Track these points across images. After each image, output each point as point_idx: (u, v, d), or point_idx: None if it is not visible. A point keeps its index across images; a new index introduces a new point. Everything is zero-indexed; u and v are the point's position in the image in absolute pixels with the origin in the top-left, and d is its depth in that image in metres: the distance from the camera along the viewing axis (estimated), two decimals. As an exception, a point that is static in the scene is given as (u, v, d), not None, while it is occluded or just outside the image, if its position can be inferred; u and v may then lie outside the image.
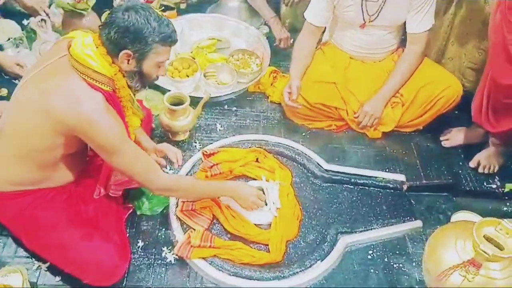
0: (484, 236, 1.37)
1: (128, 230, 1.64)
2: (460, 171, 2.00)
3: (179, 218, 1.66)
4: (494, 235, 1.36)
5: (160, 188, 1.48)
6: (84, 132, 1.30)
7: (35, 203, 1.45)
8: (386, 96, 1.99)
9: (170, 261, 1.59)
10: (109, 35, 1.28)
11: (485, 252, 1.31)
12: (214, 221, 1.68)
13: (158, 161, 1.73)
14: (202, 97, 1.98)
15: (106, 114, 1.30)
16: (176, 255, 1.58)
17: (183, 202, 1.67)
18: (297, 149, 1.96)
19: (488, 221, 1.39)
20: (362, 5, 1.88)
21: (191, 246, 1.56)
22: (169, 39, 1.34)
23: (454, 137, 2.09)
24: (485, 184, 1.97)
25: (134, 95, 1.51)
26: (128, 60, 1.32)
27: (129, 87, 1.42)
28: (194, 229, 1.61)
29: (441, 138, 2.11)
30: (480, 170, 2.00)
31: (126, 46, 1.29)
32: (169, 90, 1.98)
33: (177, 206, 1.68)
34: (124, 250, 1.52)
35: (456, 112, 2.14)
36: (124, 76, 1.37)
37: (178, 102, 1.87)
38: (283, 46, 2.44)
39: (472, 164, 2.02)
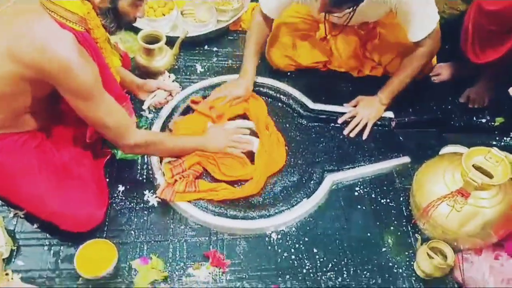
0: (473, 166, 1.34)
1: (107, 175, 1.59)
2: (449, 107, 1.94)
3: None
4: (483, 164, 1.34)
5: (131, 145, 1.39)
6: (55, 77, 1.20)
7: (5, 149, 1.37)
8: (384, 101, 1.80)
9: (153, 204, 1.55)
10: None
11: (473, 181, 1.28)
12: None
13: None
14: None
15: (77, 56, 1.20)
16: (159, 198, 1.53)
17: (171, 168, 1.53)
18: (283, 89, 1.88)
19: (478, 150, 1.35)
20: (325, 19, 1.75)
21: (175, 191, 1.51)
22: None
23: (444, 72, 2.03)
24: (475, 118, 1.92)
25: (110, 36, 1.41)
26: None
27: (104, 27, 1.31)
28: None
29: (430, 74, 2.03)
30: (470, 105, 1.95)
31: None
32: (145, 30, 1.86)
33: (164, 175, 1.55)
34: (101, 196, 1.47)
35: (446, 46, 2.05)
36: (97, 15, 1.27)
37: (153, 41, 1.77)
38: None
39: (462, 99, 1.97)
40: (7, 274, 1.34)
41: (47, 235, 1.45)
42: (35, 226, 1.46)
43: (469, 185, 1.30)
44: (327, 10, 1.55)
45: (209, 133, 1.65)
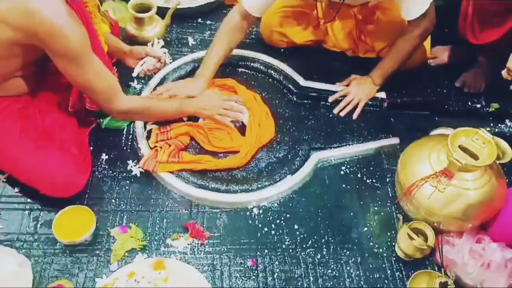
0: (459, 147, 1.31)
1: (91, 144, 1.57)
2: (444, 90, 1.91)
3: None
4: (470, 145, 1.31)
5: (121, 110, 1.40)
6: (43, 38, 1.17)
7: (-13, 112, 1.37)
8: (376, 82, 1.76)
9: (136, 174, 1.53)
10: None
11: (457, 161, 1.25)
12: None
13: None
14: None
15: (66, 17, 1.17)
16: (142, 168, 1.52)
17: (157, 133, 1.55)
18: (274, 65, 1.84)
19: (465, 131, 1.32)
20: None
21: (158, 161, 1.50)
22: None
23: (440, 56, 1.99)
24: (469, 103, 1.89)
25: (101, 3, 1.38)
26: None
27: None
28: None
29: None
30: (466, 89, 1.92)
31: None
32: (137, 0, 1.83)
33: (149, 139, 1.56)
34: (83, 163, 1.45)
35: (446, 30, 2.01)
36: None
37: (144, 10, 1.74)
38: None
39: (458, 83, 1.93)
40: (-16, 236, 1.34)
41: (28, 199, 1.44)
42: (16, 190, 1.46)
43: (453, 165, 1.27)
44: None
45: (203, 96, 1.62)
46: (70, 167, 1.39)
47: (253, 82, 1.78)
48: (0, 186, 1.46)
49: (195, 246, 1.40)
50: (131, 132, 1.62)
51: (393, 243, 1.44)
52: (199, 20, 2.02)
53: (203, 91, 1.64)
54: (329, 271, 1.39)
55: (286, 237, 1.44)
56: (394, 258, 1.42)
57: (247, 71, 1.83)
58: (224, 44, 1.64)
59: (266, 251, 1.41)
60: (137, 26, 1.75)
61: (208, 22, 2.02)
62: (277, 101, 1.76)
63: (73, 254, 1.35)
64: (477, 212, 1.32)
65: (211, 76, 1.66)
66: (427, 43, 1.86)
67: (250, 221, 1.47)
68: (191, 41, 1.93)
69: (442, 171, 1.31)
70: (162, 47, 1.63)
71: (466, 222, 1.34)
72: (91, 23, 1.31)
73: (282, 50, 1.93)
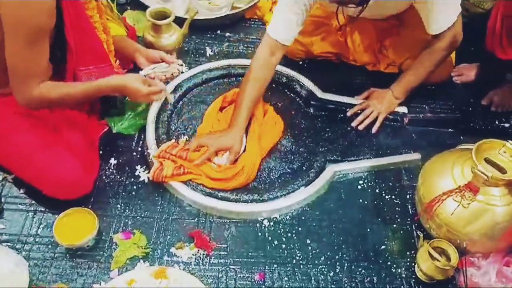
0: (485, 160, 1.22)
1: (101, 148, 1.54)
2: (470, 108, 1.82)
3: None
4: (497, 158, 1.21)
5: (29, 99, 1.27)
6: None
7: (-3, 109, 1.36)
8: (397, 95, 1.68)
9: (143, 180, 1.49)
10: None
11: (483, 173, 1.16)
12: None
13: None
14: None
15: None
16: (153, 180, 1.47)
17: (161, 150, 1.47)
18: (291, 76, 1.80)
19: (491, 142, 1.24)
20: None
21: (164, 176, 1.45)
22: None
23: (467, 73, 1.91)
24: (496, 122, 1.79)
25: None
26: None
27: None
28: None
29: (452, 74, 1.92)
30: (492, 108, 1.83)
31: None
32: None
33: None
34: (91, 165, 1.43)
35: (473, 48, 1.94)
36: None
37: (162, 18, 1.73)
38: None
39: (484, 101, 1.84)
40: (-16, 234, 1.30)
41: (33, 201, 1.41)
42: (22, 191, 1.43)
43: (478, 178, 1.18)
44: (338, 0, 1.41)
45: (137, 78, 1.43)
46: (77, 168, 1.35)
47: (269, 93, 1.73)
48: (6, 186, 1.44)
49: (200, 257, 1.33)
50: (142, 138, 1.59)
51: (413, 263, 1.34)
52: (218, 32, 2.01)
53: (240, 141, 1.50)
54: (342, 290, 1.29)
55: (297, 252, 1.36)
56: (413, 280, 1.32)
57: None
58: (255, 85, 1.53)
59: (275, 265, 1.33)
60: (155, 33, 1.74)
61: (227, 34, 2.01)
62: (293, 112, 1.71)
63: (73, 259, 1.30)
64: (505, 231, 1.21)
65: (245, 122, 1.53)
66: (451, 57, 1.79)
67: (259, 233, 1.39)
68: (209, 51, 1.92)
69: (467, 185, 1.21)
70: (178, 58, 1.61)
71: (492, 242, 1.23)
72: (84, 18, 1.31)
73: (300, 62, 1.89)
